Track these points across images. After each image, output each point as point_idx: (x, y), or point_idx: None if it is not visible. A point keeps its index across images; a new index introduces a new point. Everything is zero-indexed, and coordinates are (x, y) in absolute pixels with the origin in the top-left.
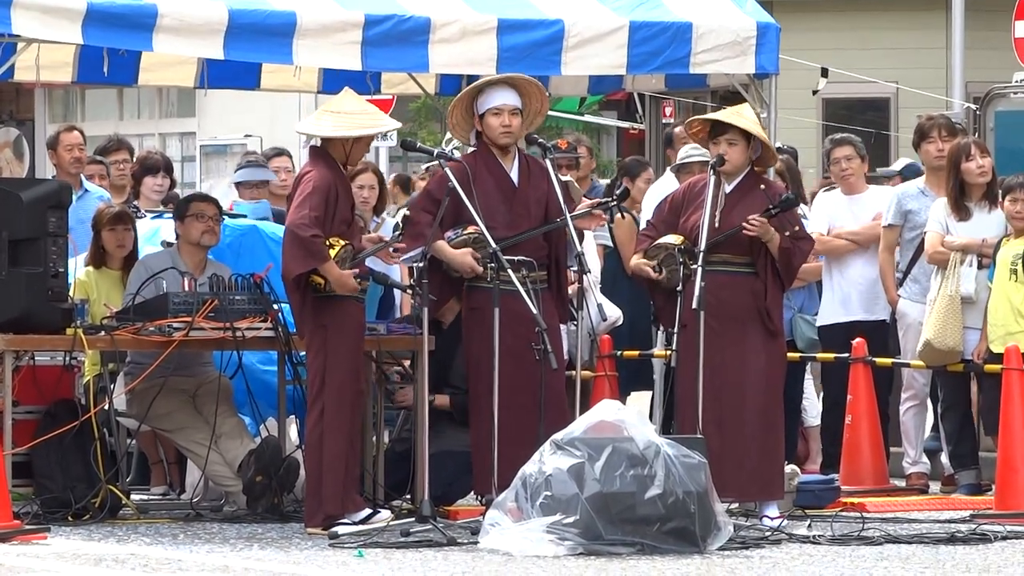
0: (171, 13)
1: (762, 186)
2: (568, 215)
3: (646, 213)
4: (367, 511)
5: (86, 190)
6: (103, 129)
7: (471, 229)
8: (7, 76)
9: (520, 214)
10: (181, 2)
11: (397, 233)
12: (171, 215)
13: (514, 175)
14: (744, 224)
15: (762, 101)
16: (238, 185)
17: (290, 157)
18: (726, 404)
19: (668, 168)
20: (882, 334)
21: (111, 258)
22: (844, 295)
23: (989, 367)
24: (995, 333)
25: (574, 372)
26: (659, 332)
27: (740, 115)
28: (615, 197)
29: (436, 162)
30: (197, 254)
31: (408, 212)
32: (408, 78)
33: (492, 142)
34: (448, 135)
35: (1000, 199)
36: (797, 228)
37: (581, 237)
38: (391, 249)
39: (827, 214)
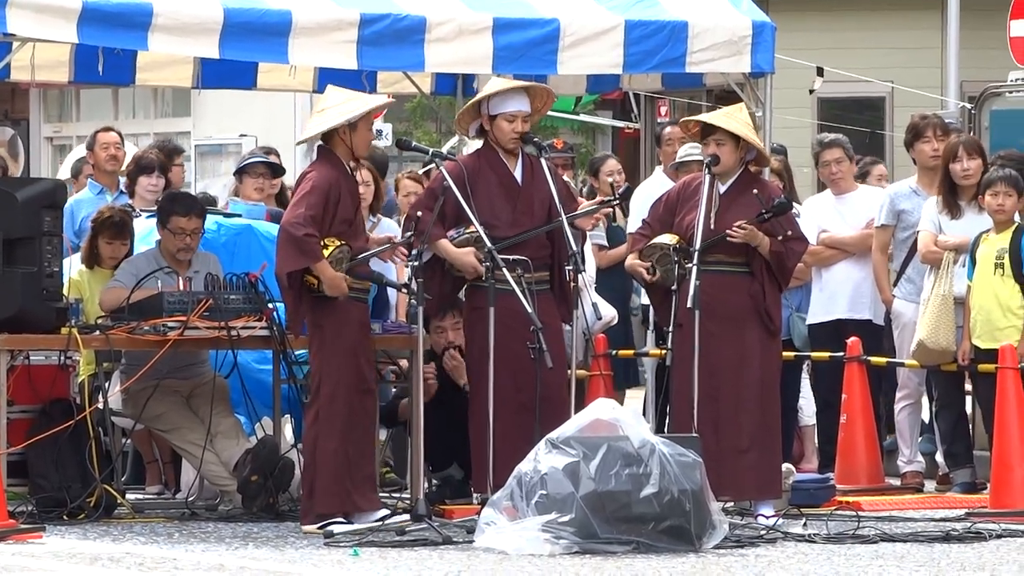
0: (166, 12)
1: (755, 189)
2: (564, 215)
3: (638, 210)
4: (383, 511)
5: (121, 191)
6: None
7: (473, 228)
8: (2, 76)
9: (524, 213)
10: (176, 1)
11: (410, 234)
12: None
13: (518, 174)
14: (728, 232)
15: (757, 100)
16: (243, 173)
17: (278, 155)
18: (723, 404)
19: (659, 167)
20: (867, 333)
21: (104, 260)
22: (829, 294)
23: (983, 367)
24: (981, 329)
25: (569, 371)
26: (648, 331)
27: (730, 117)
28: (617, 197)
29: (432, 162)
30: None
31: (410, 211)
32: (404, 77)
33: (500, 145)
34: (454, 138)
35: (980, 194)
36: (790, 232)
37: (584, 237)
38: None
39: (816, 217)
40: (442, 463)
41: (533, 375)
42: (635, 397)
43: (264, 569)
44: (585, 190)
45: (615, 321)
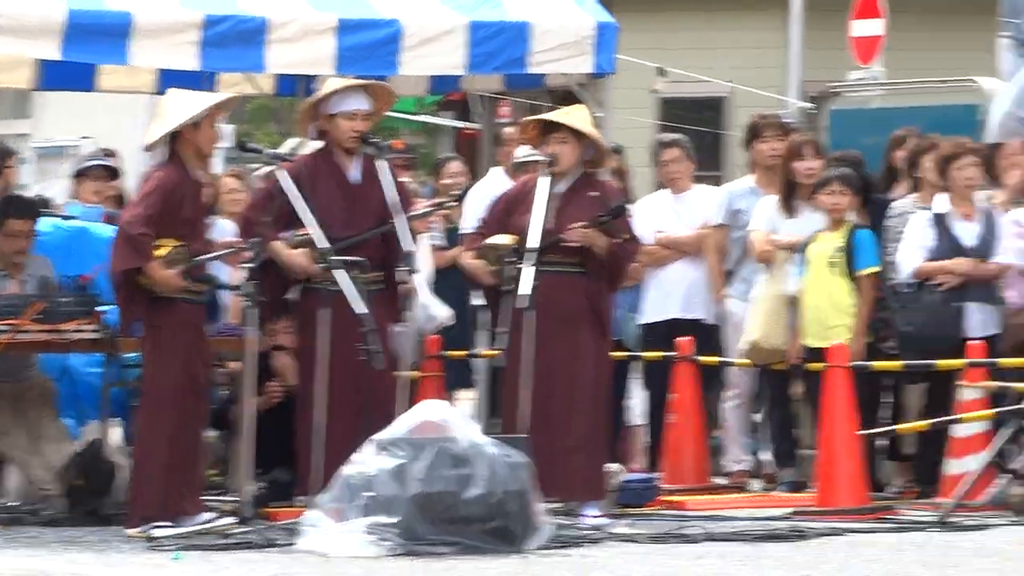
0: (6, 12)
1: (594, 192)
2: (400, 216)
3: (473, 210)
4: (209, 515)
5: None
6: None
7: (307, 230)
8: None
9: (360, 213)
10: (17, 1)
11: (257, 239)
12: None
13: (356, 175)
14: (563, 236)
15: (598, 101)
16: (82, 176)
17: (117, 158)
18: (557, 404)
19: (499, 167)
20: (700, 333)
21: None
22: (664, 294)
23: (814, 365)
24: (812, 328)
25: (399, 373)
26: (476, 331)
27: (570, 115)
28: (455, 199)
29: (270, 164)
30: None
31: (246, 212)
32: (245, 78)
33: (339, 143)
34: (292, 139)
35: (815, 193)
36: (627, 236)
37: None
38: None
39: (652, 217)
40: (269, 465)
41: (364, 377)
42: (468, 398)
43: (86, 574)
44: (425, 191)
45: (451, 322)
